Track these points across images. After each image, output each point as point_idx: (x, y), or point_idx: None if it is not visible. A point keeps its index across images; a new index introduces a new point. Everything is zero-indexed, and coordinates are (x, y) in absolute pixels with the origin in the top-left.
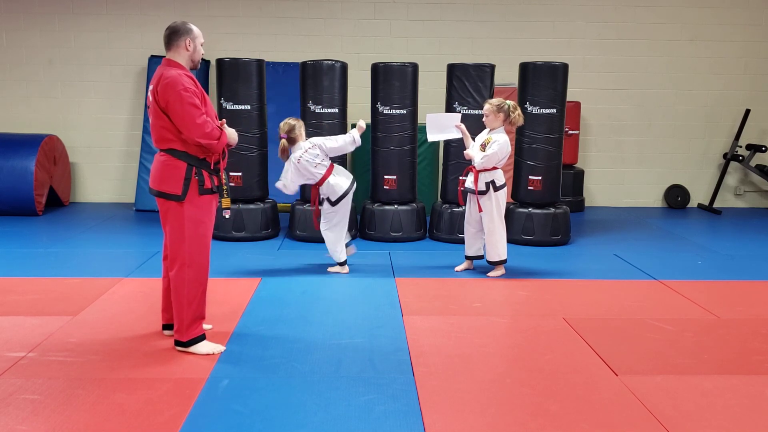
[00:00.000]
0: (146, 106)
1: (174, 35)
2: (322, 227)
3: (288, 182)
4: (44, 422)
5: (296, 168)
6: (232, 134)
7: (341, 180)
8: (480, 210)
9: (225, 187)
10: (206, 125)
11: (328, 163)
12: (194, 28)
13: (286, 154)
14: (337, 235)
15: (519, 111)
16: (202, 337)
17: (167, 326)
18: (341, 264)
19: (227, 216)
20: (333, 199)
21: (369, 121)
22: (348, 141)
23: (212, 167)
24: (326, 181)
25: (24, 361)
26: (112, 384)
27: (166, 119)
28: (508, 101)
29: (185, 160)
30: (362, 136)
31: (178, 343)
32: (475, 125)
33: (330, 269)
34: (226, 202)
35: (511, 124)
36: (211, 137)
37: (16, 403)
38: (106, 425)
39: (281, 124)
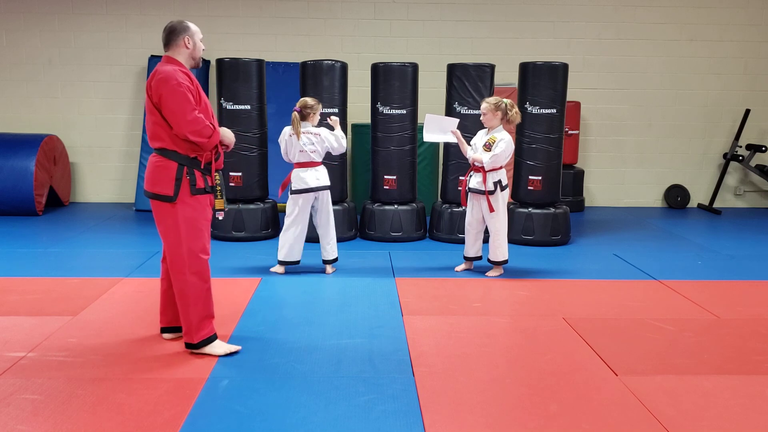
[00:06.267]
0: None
1: (172, 34)
2: (285, 219)
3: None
4: (44, 422)
5: (288, 140)
6: (226, 134)
7: (310, 178)
8: (492, 210)
9: (219, 188)
10: (197, 122)
11: (319, 158)
12: (191, 25)
13: (296, 128)
14: (285, 232)
15: (516, 109)
16: (213, 337)
17: (166, 329)
18: (279, 262)
19: (220, 218)
20: (292, 188)
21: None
22: (342, 146)
23: (202, 166)
24: (297, 171)
25: (24, 361)
26: (112, 384)
27: (159, 115)
28: (504, 99)
29: (176, 159)
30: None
31: (189, 345)
32: (475, 125)
33: (272, 269)
34: (219, 203)
35: (509, 123)
36: (201, 134)
37: (16, 403)
38: (106, 425)
39: (300, 99)
